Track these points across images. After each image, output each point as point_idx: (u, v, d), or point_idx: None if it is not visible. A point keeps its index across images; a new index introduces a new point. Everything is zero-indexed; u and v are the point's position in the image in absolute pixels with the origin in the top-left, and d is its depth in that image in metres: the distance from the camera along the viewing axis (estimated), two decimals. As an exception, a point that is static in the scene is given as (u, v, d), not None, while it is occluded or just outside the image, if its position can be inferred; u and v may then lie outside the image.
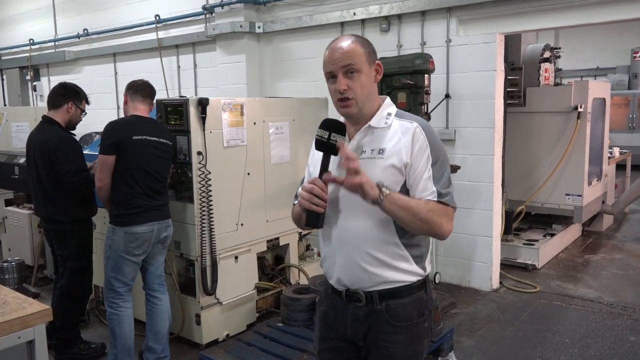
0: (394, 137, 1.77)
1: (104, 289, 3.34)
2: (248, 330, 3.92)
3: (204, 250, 3.64)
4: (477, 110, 4.68)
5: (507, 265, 5.35)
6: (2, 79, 9.80)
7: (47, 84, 8.81)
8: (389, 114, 1.82)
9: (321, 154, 1.77)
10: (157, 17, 6.79)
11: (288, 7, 5.73)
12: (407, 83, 4.02)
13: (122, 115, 3.63)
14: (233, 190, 3.80)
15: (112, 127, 3.22)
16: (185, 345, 3.80)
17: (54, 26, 8.45)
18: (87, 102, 3.67)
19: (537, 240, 5.69)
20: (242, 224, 3.90)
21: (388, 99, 1.89)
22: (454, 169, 4.47)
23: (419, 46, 4.88)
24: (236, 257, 3.90)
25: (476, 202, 4.79)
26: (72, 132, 3.59)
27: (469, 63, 4.66)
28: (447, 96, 4.75)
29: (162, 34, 6.86)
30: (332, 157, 1.75)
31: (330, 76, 1.78)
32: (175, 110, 3.59)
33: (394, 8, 4.93)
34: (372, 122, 1.80)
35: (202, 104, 3.56)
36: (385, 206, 1.68)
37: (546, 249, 5.60)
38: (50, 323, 3.61)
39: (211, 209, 3.65)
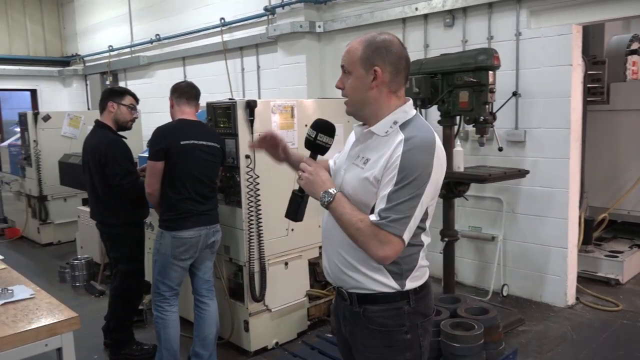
0: (383, 149, 1.66)
1: (152, 292, 3.35)
2: (298, 339, 3.81)
3: (252, 256, 3.56)
4: (551, 109, 4.28)
5: (586, 279, 4.87)
6: (87, 84, 10.40)
7: (125, 88, 9.20)
8: (395, 122, 1.69)
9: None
10: (222, 20, 6.87)
11: (348, 5, 5.57)
12: (469, 81, 3.73)
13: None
14: (283, 194, 3.64)
15: (159, 132, 3.21)
16: (234, 351, 3.75)
17: (130, 33, 8.81)
18: (134, 97, 3.68)
19: (621, 252, 5.13)
20: (292, 229, 3.79)
21: (408, 104, 1.74)
22: (523, 173, 4.12)
23: (485, 41, 4.55)
24: (286, 263, 3.80)
25: (549, 210, 4.38)
26: (123, 135, 3.64)
27: (541, 58, 4.27)
28: (516, 94, 4.38)
29: (226, 37, 6.94)
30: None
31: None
32: (224, 113, 3.54)
33: (459, 1, 4.62)
34: (373, 129, 1.72)
35: (250, 106, 3.48)
36: (329, 211, 1.70)
37: (632, 262, 5.04)
38: (105, 323, 3.73)
39: (260, 214, 3.57)
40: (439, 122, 4.09)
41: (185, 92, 3.36)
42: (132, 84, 8.98)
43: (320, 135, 1.74)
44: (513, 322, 4.00)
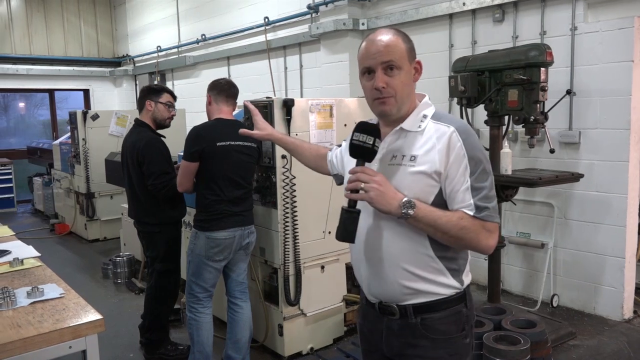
0: (427, 143, 1.60)
1: (185, 293, 3.32)
2: (333, 345, 3.70)
3: (287, 259, 3.48)
4: (609, 108, 3.99)
5: (646, 292, 4.53)
6: (136, 84, 10.66)
7: (172, 88, 9.36)
8: (425, 116, 1.65)
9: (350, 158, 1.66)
10: (266, 19, 6.84)
11: (393, 2, 5.42)
12: (519, 78, 3.51)
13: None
14: (320, 196, 3.59)
15: (195, 133, 3.16)
16: (268, 355, 3.68)
17: (177, 33, 8.95)
18: (172, 95, 3.66)
19: (686, 263, 4.75)
20: (329, 232, 3.68)
21: (427, 98, 1.72)
22: (576, 177, 3.85)
23: (537, 36, 4.29)
24: (322, 267, 3.69)
25: (605, 217, 4.09)
26: (162, 134, 3.62)
27: (599, 54, 3.99)
28: (570, 92, 4.11)
29: (270, 36, 6.91)
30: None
31: (367, 71, 1.64)
32: (261, 112, 3.44)
33: (509, -5, 4.39)
34: (405, 125, 1.65)
35: (287, 105, 3.40)
36: (410, 222, 1.57)
37: (699, 275, 4.65)
38: (142, 322, 3.73)
39: (295, 216, 3.48)
40: (485, 122, 3.89)
41: (224, 89, 3.30)
42: (178, 84, 9.12)
43: (377, 141, 1.57)
44: (563, 336, 3.74)
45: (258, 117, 2.20)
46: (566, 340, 3.75)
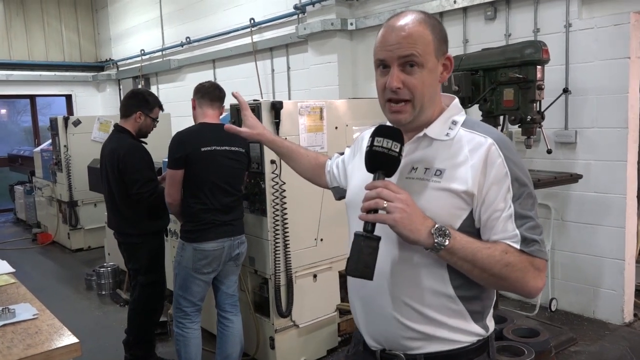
0: (458, 155, 1.29)
1: (172, 307, 3.16)
2: (327, 356, 3.55)
3: (278, 268, 3.33)
4: (605, 107, 3.89)
5: (645, 294, 4.44)
6: (120, 89, 10.44)
7: (157, 92, 9.15)
8: (454, 123, 1.34)
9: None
10: (252, 21, 6.69)
11: (382, 1, 5.29)
12: (515, 77, 3.39)
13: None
14: (311, 202, 3.44)
15: (179, 139, 3.00)
16: (259, 369, 3.52)
17: (161, 36, 8.75)
18: (161, 109, 3.53)
19: (684, 263, 4.67)
20: (321, 239, 3.53)
21: (456, 101, 1.40)
22: (575, 178, 3.74)
23: (531, 34, 4.19)
24: (315, 276, 3.54)
25: (603, 218, 3.99)
26: (144, 140, 3.46)
27: (594, 51, 3.89)
28: (566, 91, 4.01)
29: (256, 38, 6.75)
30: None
31: (381, 65, 1.32)
32: (248, 116, 3.31)
33: (501, -8, 4.29)
34: (430, 132, 1.34)
35: (276, 108, 3.25)
36: (441, 255, 1.23)
37: (697, 275, 4.58)
38: (126, 337, 3.55)
39: (286, 223, 3.33)
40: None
41: (208, 92, 3.14)
42: (163, 88, 8.93)
43: (403, 149, 1.27)
44: (564, 342, 3.63)
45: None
46: (567, 346, 3.63)
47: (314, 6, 5.67)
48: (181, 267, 3.02)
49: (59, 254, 6.89)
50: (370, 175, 1.29)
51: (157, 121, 3.54)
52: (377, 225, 1.24)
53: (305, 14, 5.88)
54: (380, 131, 1.27)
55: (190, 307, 3.05)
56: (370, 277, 1.21)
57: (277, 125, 3.26)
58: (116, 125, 3.44)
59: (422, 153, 1.34)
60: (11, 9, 9.87)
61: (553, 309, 4.22)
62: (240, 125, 3.31)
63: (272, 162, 3.25)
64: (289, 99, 6.35)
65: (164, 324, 4.03)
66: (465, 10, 4.63)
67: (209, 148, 2.97)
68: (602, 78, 3.88)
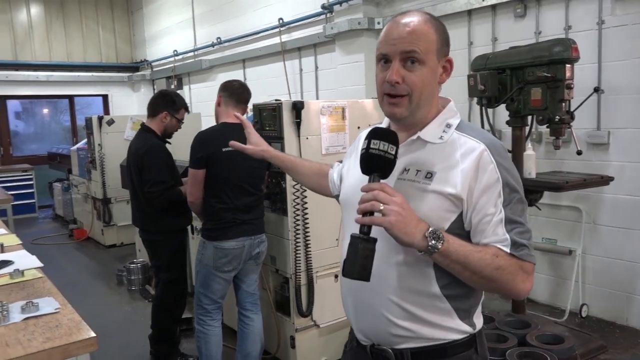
0: (449, 159, 1.31)
1: (194, 304, 3.20)
2: (348, 357, 3.54)
3: (298, 268, 3.33)
4: (640, 106, 3.76)
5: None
6: (154, 89, 10.66)
7: (188, 92, 9.33)
8: (449, 125, 1.36)
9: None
10: (281, 21, 6.73)
11: (410, -1, 5.24)
12: (543, 76, 3.32)
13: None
14: (332, 202, 3.37)
15: (200, 138, 3.04)
16: (280, 367, 3.54)
17: (193, 37, 8.90)
18: (187, 111, 3.59)
19: None
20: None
21: (451, 104, 1.42)
22: (606, 180, 3.62)
23: (562, 32, 4.07)
24: (336, 276, 3.53)
25: (637, 221, 3.84)
26: (168, 140, 3.52)
27: (629, 48, 3.75)
28: (597, 90, 3.88)
29: (285, 37, 6.79)
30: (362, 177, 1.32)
31: (383, 59, 1.33)
32: (270, 115, 3.34)
33: (532, -12, 4.18)
34: (423, 134, 1.36)
35: (297, 107, 3.25)
36: (434, 258, 1.26)
37: None
38: (151, 332, 3.63)
39: (307, 223, 3.33)
40: (507, 122, 3.69)
41: (236, 93, 3.17)
42: (194, 88, 9.08)
43: (398, 152, 1.28)
44: (593, 350, 3.51)
45: (251, 130, 1.94)
46: (596, 354, 3.51)
47: (341, 5, 5.66)
48: (202, 265, 3.07)
49: (93, 250, 7.10)
50: (362, 178, 1.30)
51: (182, 122, 3.60)
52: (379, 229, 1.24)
53: (333, 14, 5.88)
54: (376, 133, 1.28)
55: (211, 305, 3.09)
56: (367, 279, 1.23)
57: (298, 125, 3.27)
58: (142, 125, 3.52)
59: (414, 155, 1.36)
60: (51, 12, 10.21)
61: (584, 315, 4.10)
62: (261, 127, 3.36)
63: (294, 162, 3.26)
64: (317, 98, 6.37)
65: (189, 320, 4.09)
66: (494, 7, 4.53)
67: (230, 148, 2.99)
68: (636, 77, 3.74)
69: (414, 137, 1.37)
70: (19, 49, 9.88)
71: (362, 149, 1.29)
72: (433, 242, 1.22)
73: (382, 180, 1.28)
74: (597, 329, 3.91)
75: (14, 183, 9.12)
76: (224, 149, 2.98)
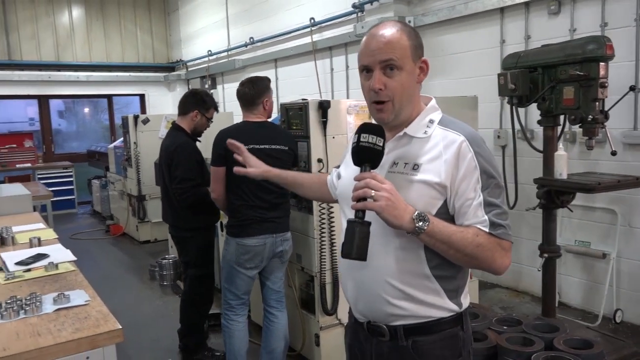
0: (432, 151, 1.46)
1: (222, 300, 3.26)
2: (373, 357, 3.53)
3: (323, 266, 3.35)
4: (680, 105, 3.62)
5: None
6: (188, 89, 10.86)
7: (222, 91, 9.48)
8: (431, 121, 1.51)
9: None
10: (312, 20, 6.76)
11: (441, -3, 5.19)
12: (575, 74, 3.24)
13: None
14: None
15: (220, 136, 3.10)
16: (305, 365, 3.57)
17: (227, 37, 9.03)
18: (216, 110, 3.65)
19: None
20: (369, 239, 3.52)
21: (433, 102, 1.57)
22: (642, 181, 3.51)
23: (598, 29, 3.96)
24: (361, 275, 3.53)
25: (676, 225, 3.71)
26: (198, 138, 3.60)
27: (668, 45, 3.62)
28: (634, 89, 3.75)
29: (316, 37, 6.82)
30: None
31: (365, 70, 1.49)
32: (297, 114, 3.37)
33: (566, -15, 4.08)
34: (409, 130, 1.51)
35: (323, 107, 3.27)
36: (421, 238, 1.41)
37: None
38: (180, 326, 3.71)
39: (332, 222, 3.34)
40: (538, 122, 3.62)
41: (241, 97, 3.23)
42: (228, 87, 9.21)
43: (385, 143, 1.43)
44: (626, 357, 3.39)
45: (246, 154, 1.99)
46: (630, 361, 3.41)
47: (372, 4, 5.66)
48: (225, 261, 3.13)
49: (128, 245, 7.30)
50: (354, 170, 1.44)
51: (212, 121, 3.66)
52: (372, 215, 1.38)
53: (364, 13, 5.88)
54: (365, 128, 1.42)
55: (235, 300, 3.14)
56: (364, 258, 1.36)
57: (324, 124, 3.29)
58: (174, 123, 3.61)
59: (402, 150, 1.51)
60: (92, 14, 10.53)
61: (618, 320, 3.98)
62: (288, 126, 3.39)
63: (319, 160, 3.28)
64: (347, 97, 6.37)
65: (218, 316, 4.16)
66: (527, 5, 4.44)
67: (247, 146, 3.02)
68: (676, 75, 3.60)
69: (401, 133, 1.51)
70: (61, 50, 10.23)
71: (353, 143, 1.42)
72: (420, 223, 1.37)
73: (372, 171, 1.41)
74: (631, 335, 3.79)
75: (55, 180, 9.47)
76: None
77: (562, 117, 3.57)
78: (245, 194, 3.02)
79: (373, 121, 1.53)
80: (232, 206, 3.07)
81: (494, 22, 4.71)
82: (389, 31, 1.45)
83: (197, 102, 3.55)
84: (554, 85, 3.40)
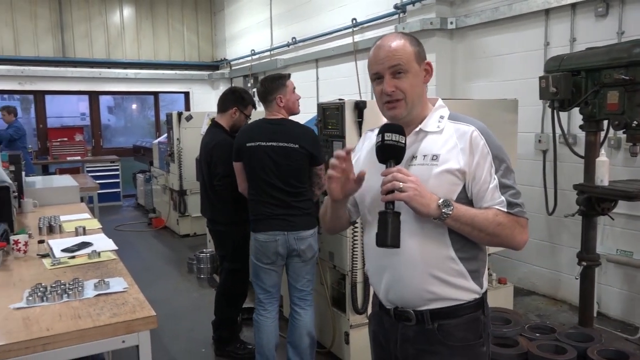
0: (448, 142, 1.60)
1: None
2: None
3: (355, 265, 3.38)
4: None
5: None
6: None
7: (264, 90, 9.59)
8: (442, 117, 1.66)
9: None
10: (354, 21, 6.78)
11: (484, -2, 5.12)
12: (620, 78, 3.15)
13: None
14: None
15: (237, 133, 3.26)
16: (334, 362, 3.61)
17: (270, 37, 9.16)
18: (254, 107, 3.73)
19: None
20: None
21: (440, 101, 1.72)
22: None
23: (647, 31, 3.83)
24: (393, 276, 3.54)
25: None
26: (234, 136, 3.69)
27: None
28: (684, 94, 3.60)
29: (357, 37, 6.83)
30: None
31: (376, 77, 1.65)
32: (333, 114, 3.41)
33: (615, -14, 3.96)
34: (423, 126, 1.65)
35: (359, 107, 3.30)
36: (447, 223, 1.54)
37: None
38: (214, 318, 3.81)
39: (365, 221, 3.36)
40: (580, 127, 3.54)
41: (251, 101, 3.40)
42: (270, 86, 9.31)
43: (406, 140, 1.56)
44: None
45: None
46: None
47: (414, 5, 5.63)
48: (251, 256, 3.22)
49: (169, 238, 7.52)
50: (376, 169, 1.57)
51: (249, 118, 3.75)
52: (401, 206, 1.51)
53: (406, 14, 5.86)
54: (387, 128, 1.56)
55: (263, 294, 3.20)
56: (398, 245, 1.49)
57: (359, 124, 3.31)
58: (213, 120, 3.72)
59: (419, 144, 1.64)
60: (141, 13, 10.89)
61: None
62: (324, 126, 3.41)
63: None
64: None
65: (251, 310, 4.24)
66: (573, 6, 4.33)
67: (253, 144, 3.12)
68: None
69: (417, 129, 1.65)
70: (111, 48, 10.62)
71: (378, 142, 1.55)
72: (445, 209, 1.50)
73: (396, 165, 1.54)
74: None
75: (102, 173, 9.85)
76: (247, 144, 3.12)
77: (605, 122, 3.47)
78: (254, 189, 3.14)
79: None
80: (250, 201, 3.20)
81: (538, 23, 4.62)
82: (393, 41, 1.61)
83: (236, 100, 3.65)
84: (597, 89, 3.32)
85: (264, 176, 3.11)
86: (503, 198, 1.56)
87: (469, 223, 1.53)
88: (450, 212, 1.51)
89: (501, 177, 1.57)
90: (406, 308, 1.65)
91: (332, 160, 1.59)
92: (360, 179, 1.60)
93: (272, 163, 3.09)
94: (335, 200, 1.67)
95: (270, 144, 3.09)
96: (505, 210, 1.55)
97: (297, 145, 3.09)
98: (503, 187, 1.56)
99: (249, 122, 3.56)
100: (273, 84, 3.22)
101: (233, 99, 3.65)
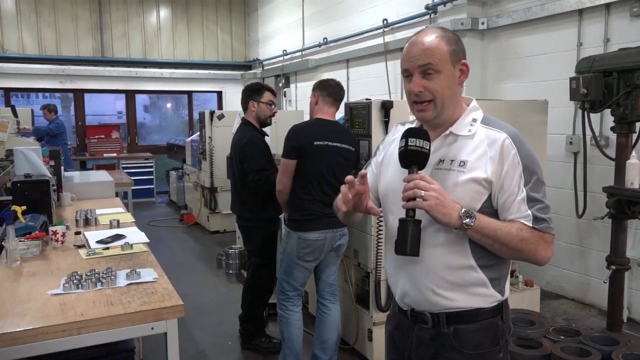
0: (478, 148, 1.53)
1: (277, 290, 3.41)
2: (425, 356, 3.55)
3: (379, 263, 3.41)
4: None
5: None
6: (263, 87, 11.18)
7: (295, 90, 9.72)
8: (474, 120, 1.58)
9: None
10: (385, 21, 6.80)
11: (516, -1, 5.07)
12: (654, 80, 3.10)
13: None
14: None
15: (295, 130, 3.21)
16: (357, 359, 3.65)
17: (302, 37, 9.25)
18: (273, 93, 3.77)
19: None
20: (426, 239, 3.54)
21: (474, 102, 1.63)
22: None
23: (684, 32, 3.74)
24: (417, 275, 3.56)
25: None
26: (265, 132, 3.76)
27: None
28: None
29: (388, 38, 6.85)
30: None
31: (407, 74, 1.58)
32: (360, 114, 3.45)
33: (651, -15, 3.88)
34: (454, 129, 1.58)
35: (386, 107, 3.34)
36: (468, 234, 1.49)
37: None
38: (241, 312, 3.90)
39: (390, 220, 3.39)
40: (612, 128, 3.49)
41: (334, 92, 3.31)
42: (301, 86, 9.43)
43: (430, 146, 1.51)
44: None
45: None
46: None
47: (445, 6, 5.62)
48: (286, 254, 3.25)
49: (200, 234, 7.68)
50: (401, 171, 1.54)
51: (273, 104, 3.78)
52: (422, 215, 1.46)
53: (437, 14, 5.84)
54: (412, 133, 1.51)
55: (293, 291, 3.27)
56: (417, 254, 1.46)
57: (386, 124, 3.35)
58: (242, 119, 3.81)
59: (448, 148, 1.58)
60: (177, 14, 11.15)
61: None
62: (351, 125, 3.46)
63: (380, 159, 3.34)
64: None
65: (275, 305, 4.32)
66: (607, 6, 4.26)
67: (321, 143, 3.14)
68: None
69: (447, 132, 1.58)
70: (148, 48, 10.91)
71: (401, 147, 1.50)
72: (467, 220, 1.45)
73: (419, 172, 1.49)
74: None
75: (137, 169, 10.12)
76: (315, 143, 3.13)
77: (637, 125, 3.41)
78: (313, 189, 3.13)
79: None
80: (298, 200, 3.17)
81: (571, 24, 4.55)
82: (428, 38, 1.52)
83: (249, 94, 3.73)
84: (629, 90, 3.28)
85: (326, 175, 3.15)
86: (529, 212, 1.49)
87: (491, 236, 1.47)
88: (472, 224, 1.45)
89: (530, 190, 1.49)
90: (423, 310, 1.62)
91: (343, 188, 1.54)
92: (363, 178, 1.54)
93: (336, 163, 3.16)
94: (339, 210, 1.66)
95: (336, 144, 3.16)
96: (531, 225, 1.49)
97: (353, 148, 3.23)
98: (531, 201, 1.49)
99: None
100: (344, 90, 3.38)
101: (246, 96, 3.74)
